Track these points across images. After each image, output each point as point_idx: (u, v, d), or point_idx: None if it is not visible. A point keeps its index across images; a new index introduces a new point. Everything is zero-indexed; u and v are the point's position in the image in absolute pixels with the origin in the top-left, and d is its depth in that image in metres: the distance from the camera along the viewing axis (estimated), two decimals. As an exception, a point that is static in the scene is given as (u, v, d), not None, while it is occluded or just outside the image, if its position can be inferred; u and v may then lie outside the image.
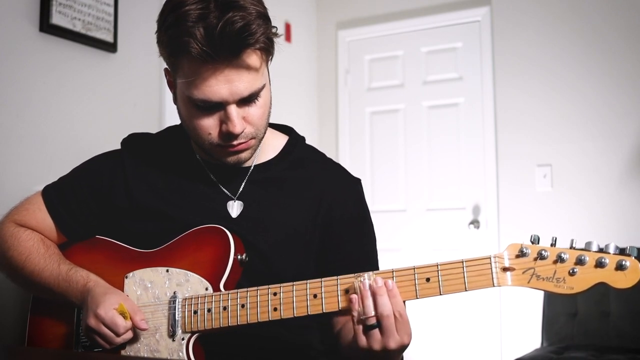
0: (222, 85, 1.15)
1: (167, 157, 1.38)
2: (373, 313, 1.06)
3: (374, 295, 1.06)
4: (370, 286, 1.07)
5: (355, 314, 1.08)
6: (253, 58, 1.16)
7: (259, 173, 1.34)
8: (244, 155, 1.26)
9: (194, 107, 1.20)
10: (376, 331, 1.06)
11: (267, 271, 1.26)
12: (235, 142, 1.21)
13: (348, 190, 1.38)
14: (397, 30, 3.92)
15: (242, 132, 1.20)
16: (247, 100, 1.19)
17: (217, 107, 1.18)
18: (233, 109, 1.18)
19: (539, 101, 3.48)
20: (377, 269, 1.34)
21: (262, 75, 1.20)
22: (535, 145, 3.47)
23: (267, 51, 1.19)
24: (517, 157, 3.52)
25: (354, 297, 1.08)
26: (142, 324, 1.20)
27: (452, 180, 3.71)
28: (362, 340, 1.07)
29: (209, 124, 1.20)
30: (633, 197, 3.24)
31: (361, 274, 1.10)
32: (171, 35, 1.14)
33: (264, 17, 1.15)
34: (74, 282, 1.27)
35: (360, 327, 1.07)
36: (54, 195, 1.38)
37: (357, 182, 1.41)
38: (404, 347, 1.07)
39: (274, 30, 1.19)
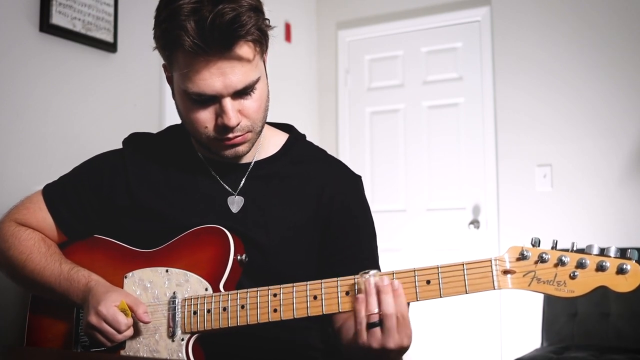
0: (216, 78, 1.15)
1: (169, 156, 1.38)
2: (376, 310, 1.05)
3: (378, 294, 1.05)
4: (375, 284, 1.06)
5: (359, 309, 1.06)
6: (245, 50, 1.15)
7: (259, 169, 1.34)
8: (241, 148, 1.26)
9: (189, 100, 1.20)
10: (377, 329, 1.04)
11: (267, 267, 1.27)
12: (231, 135, 1.21)
13: (348, 185, 1.38)
14: (397, 30, 3.91)
15: (238, 125, 1.20)
16: (242, 93, 1.19)
17: (212, 100, 1.18)
18: (228, 102, 1.18)
19: (539, 101, 3.47)
20: (377, 264, 1.34)
21: (256, 67, 1.19)
22: (535, 145, 3.47)
23: (260, 43, 1.19)
24: (517, 157, 3.52)
25: (361, 296, 1.06)
26: (144, 316, 1.20)
27: (452, 180, 3.71)
28: (363, 337, 1.05)
29: (205, 117, 1.20)
30: (633, 197, 3.23)
31: (367, 271, 1.09)
32: (164, 29, 1.15)
33: (256, 9, 1.16)
34: (75, 282, 1.27)
35: (363, 324, 1.05)
36: (54, 194, 1.38)
37: (358, 178, 1.41)
38: (402, 349, 1.06)
39: (266, 22, 1.19)
